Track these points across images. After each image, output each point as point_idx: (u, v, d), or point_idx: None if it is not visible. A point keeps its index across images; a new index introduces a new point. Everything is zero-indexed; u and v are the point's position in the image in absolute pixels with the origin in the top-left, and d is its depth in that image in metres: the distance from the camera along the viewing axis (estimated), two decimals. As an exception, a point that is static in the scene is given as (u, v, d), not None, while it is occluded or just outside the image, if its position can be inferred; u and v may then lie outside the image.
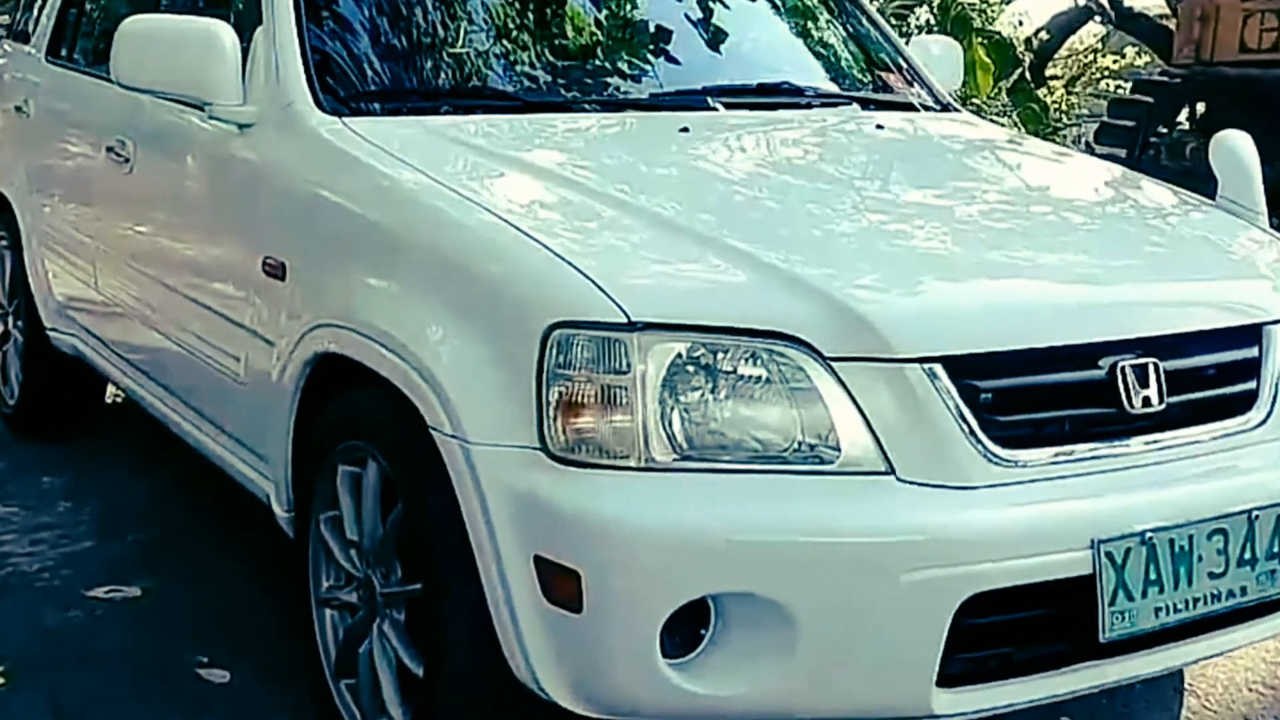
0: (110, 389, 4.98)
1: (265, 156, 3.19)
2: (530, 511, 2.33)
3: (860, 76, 4.03)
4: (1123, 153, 11.05)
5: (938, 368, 2.35)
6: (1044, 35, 15.76)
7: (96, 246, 4.19)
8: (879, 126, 3.53)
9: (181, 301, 3.57)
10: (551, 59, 3.48)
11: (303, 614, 2.98)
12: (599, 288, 2.35)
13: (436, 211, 2.70)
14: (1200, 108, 11.91)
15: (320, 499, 2.91)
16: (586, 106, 3.37)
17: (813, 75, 3.94)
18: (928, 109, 3.88)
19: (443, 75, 3.43)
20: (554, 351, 2.34)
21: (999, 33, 11.83)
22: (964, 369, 2.37)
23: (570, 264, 2.41)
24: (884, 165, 3.35)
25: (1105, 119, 12.36)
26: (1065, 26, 16.42)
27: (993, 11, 13.77)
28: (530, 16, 3.55)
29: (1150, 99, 11.79)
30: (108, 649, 3.38)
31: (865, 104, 3.75)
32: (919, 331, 2.38)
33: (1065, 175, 3.58)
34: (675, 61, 3.60)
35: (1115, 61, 20.20)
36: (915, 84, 4.00)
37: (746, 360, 2.34)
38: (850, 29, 4.14)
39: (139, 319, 3.94)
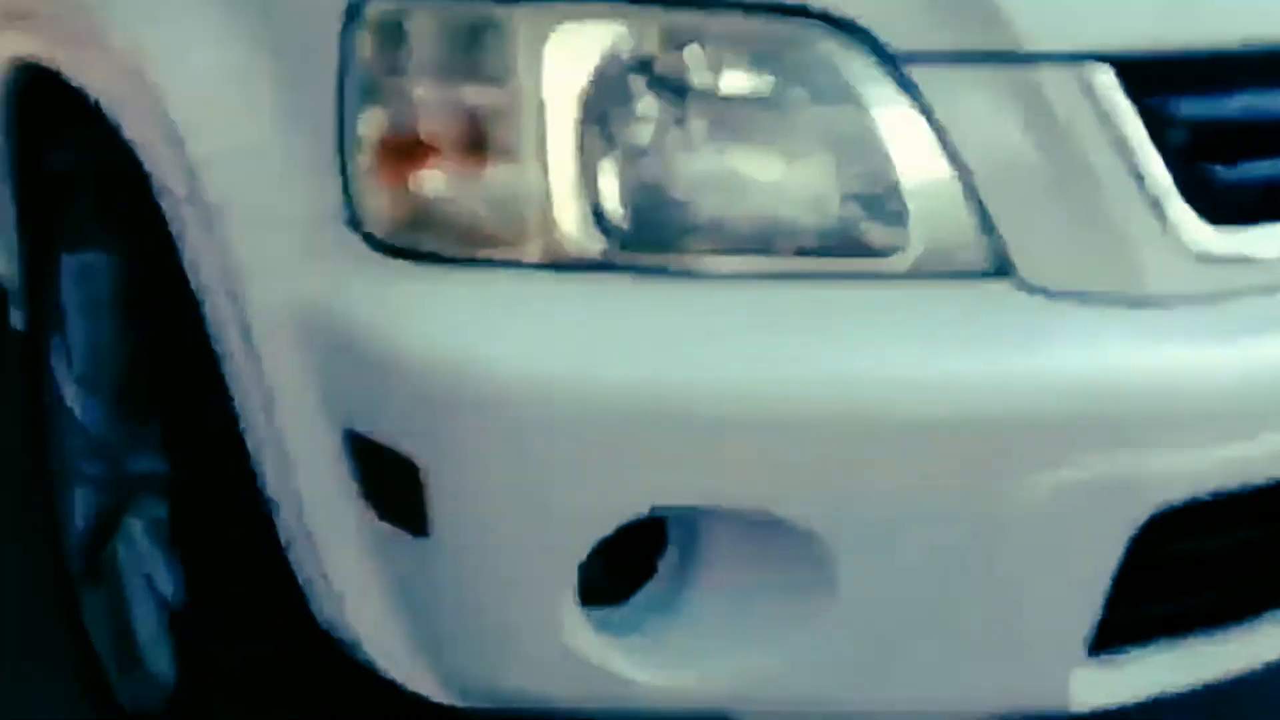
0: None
1: None
2: (329, 345, 1.24)
3: None
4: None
5: (1101, 72, 1.24)
6: None
7: None
8: None
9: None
10: None
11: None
12: None
13: None
14: None
15: (48, 303, 1.81)
16: None
17: None
18: None
19: None
20: (366, 44, 1.23)
21: None
22: (1150, 78, 1.25)
23: None
24: None
25: None
26: None
27: None
28: None
29: None
30: None
31: None
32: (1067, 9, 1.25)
33: None
34: None
35: None
36: None
37: (740, 63, 1.23)
38: None
39: None
